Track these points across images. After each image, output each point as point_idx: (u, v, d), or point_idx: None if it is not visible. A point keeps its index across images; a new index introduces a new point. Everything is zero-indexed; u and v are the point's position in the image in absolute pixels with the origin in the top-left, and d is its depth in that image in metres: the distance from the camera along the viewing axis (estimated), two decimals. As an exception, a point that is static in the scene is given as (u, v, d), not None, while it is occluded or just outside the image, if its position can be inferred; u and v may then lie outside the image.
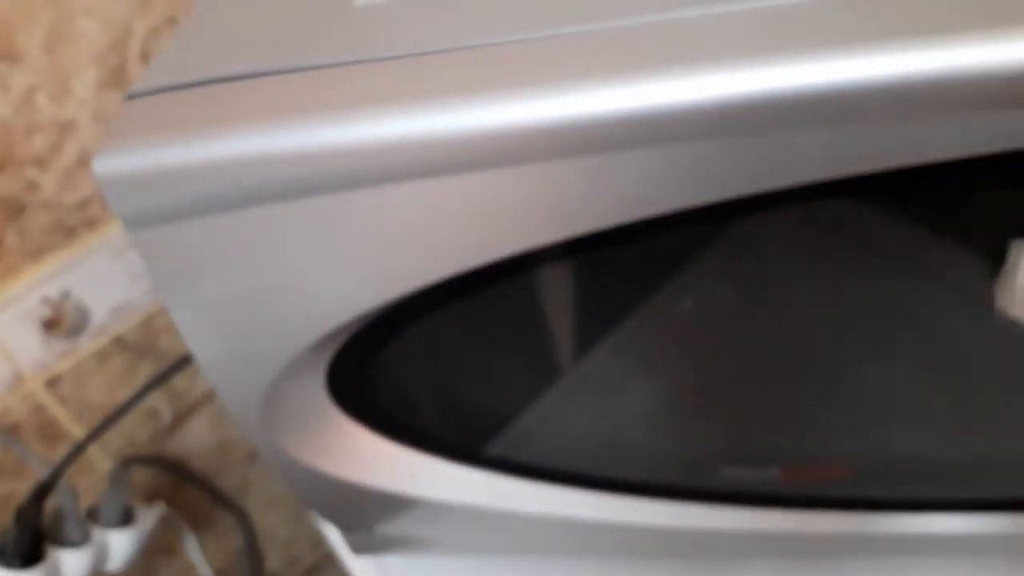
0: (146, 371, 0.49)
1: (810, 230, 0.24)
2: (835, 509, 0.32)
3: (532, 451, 0.31)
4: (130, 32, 0.41)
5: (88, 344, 0.46)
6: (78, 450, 0.43)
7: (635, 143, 0.20)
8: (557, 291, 0.26)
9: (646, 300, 0.26)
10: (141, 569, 0.56)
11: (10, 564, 0.41)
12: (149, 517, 0.49)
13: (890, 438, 0.30)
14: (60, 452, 0.46)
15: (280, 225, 0.22)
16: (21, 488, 0.46)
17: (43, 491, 0.42)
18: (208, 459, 0.57)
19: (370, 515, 0.33)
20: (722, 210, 0.22)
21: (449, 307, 0.26)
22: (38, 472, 0.43)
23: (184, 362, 0.46)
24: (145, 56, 0.42)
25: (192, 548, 0.57)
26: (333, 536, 0.41)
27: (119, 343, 0.48)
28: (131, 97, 0.23)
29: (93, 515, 0.47)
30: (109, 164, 0.21)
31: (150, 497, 0.53)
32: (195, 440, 0.55)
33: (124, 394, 0.48)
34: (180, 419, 0.54)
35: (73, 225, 0.43)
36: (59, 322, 0.44)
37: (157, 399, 0.52)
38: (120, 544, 0.47)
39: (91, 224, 0.44)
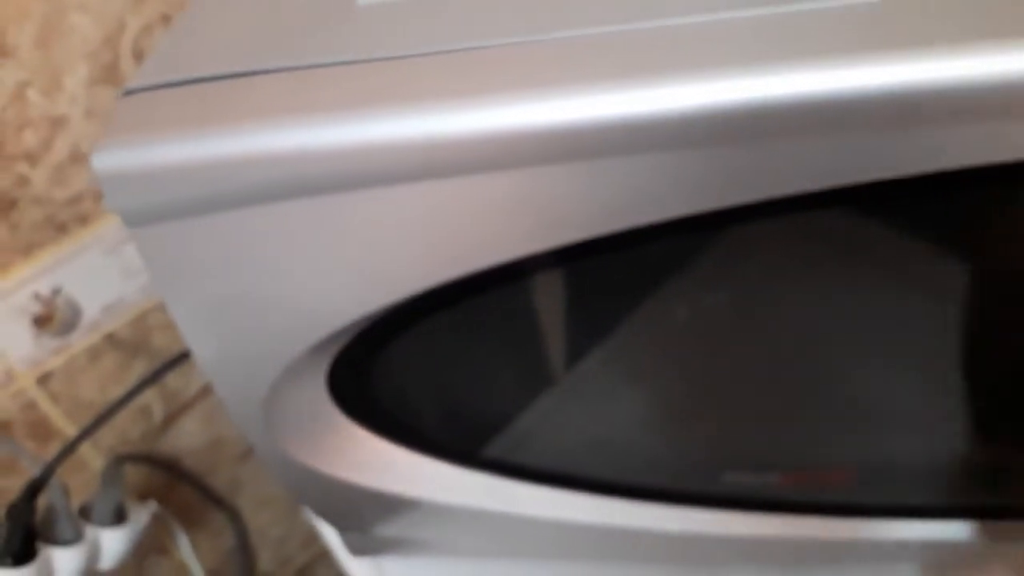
0: (139, 369, 0.49)
1: (804, 238, 0.24)
2: (835, 514, 0.32)
3: (531, 454, 0.31)
4: (123, 28, 0.41)
5: (80, 341, 0.46)
6: (70, 448, 0.43)
7: (630, 149, 0.20)
8: (556, 296, 0.26)
9: (643, 305, 0.26)
10: (133, 568, 0.56)
11: (2, 562, 0.40)
12: (141, 515, 0.49)
13: (890, 443, 0.30)
14: (52, 450, 0.46)
15: (279, 225, 0.22)
16: (12, 486, 0.46)
17: (35, 489, 0.42)
18: (200, 458, 0.57)
19: (369, 516, 0.33)
20: (719, 217, 0.22)
21: (450, 309, 0.26)
22: (29, 470, 0.42)
23: (177, 360, 0.46)
24: (138, 53, 0.42)
25: (184, 547, 0.57)
26: (330, 537, 0.41)
27: (111, 340, 0.47)
28: (127, 93, 0.23)
29: (85, 513, 0.46)
30: (108, 159, 0.21)
31: (142, 495, 0.53)
32: (188, 438, 0.55)
33: (116, 392, 0.48)
34: (172, 417, 0.53)
35: (64, 221, 0.43)
36: (50, 319, 0.44)
37: (150, 397, 0.51)
38: (112, 542, 0.46)
39: (83, 220, 0.43)
